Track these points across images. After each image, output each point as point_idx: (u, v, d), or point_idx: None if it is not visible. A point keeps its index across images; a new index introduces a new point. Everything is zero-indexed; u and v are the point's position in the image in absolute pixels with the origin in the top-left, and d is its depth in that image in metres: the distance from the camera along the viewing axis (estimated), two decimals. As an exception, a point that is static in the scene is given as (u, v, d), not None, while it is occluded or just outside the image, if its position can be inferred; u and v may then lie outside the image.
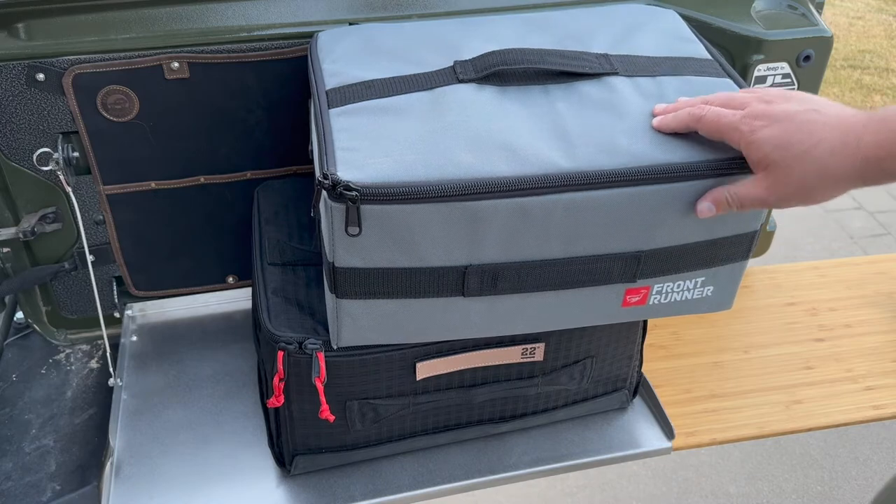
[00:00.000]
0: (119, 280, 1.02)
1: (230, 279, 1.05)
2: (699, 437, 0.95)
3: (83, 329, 1.05)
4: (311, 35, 0.83)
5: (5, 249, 0.93)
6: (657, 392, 0.96)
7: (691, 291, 0.75)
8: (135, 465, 0.87)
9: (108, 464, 0.87)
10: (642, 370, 0.94)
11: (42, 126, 0.86)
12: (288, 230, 0.88)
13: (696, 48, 0.77)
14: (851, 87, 3.46)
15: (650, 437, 0.92)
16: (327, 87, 0.71)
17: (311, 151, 0.78)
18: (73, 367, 1.03)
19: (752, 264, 1.18)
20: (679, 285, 0.74)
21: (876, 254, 2.40)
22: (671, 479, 1.77)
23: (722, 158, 0.65)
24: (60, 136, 0.87)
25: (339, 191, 0.60)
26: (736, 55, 0.94)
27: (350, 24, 0.87)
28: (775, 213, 1.14)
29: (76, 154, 0.89)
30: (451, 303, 0.70)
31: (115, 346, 1.01)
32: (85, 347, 1.06)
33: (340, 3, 0.91)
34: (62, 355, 1.04)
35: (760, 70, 0.95)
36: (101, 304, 0.94)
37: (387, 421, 0.83)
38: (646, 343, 0.92)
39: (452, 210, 0.62)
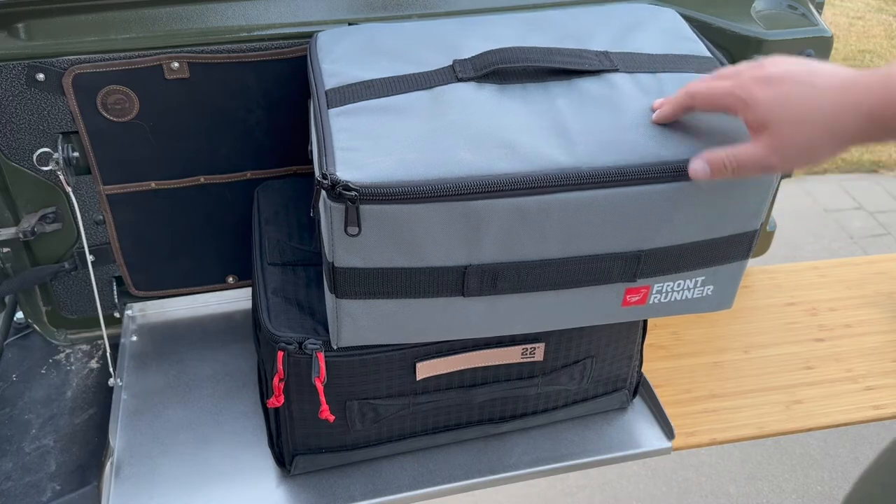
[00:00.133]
0: (119, 280, 1.02)
1: (230, 279, 1.05)
2: (699, 437, 0.95)
3: (83, 329, 1.05)
4: (310, 35, 0.83)
5: (5, 249, 0.93)
6: (657, 392, 0.96)
7: (691, 291, 0.75)
8: (135, 465, 0.87)
9: (108, 464, 0.87)
10: (642, 370, 0.94)
11: (42, 126, 0.86)
12: (288, 230, 0.88)
13: (697, 46, 0.77)
14: (851, 87, 3.46)
15: (650, 437, 0.92)
16: (327, 87, 0.71)
17: (311, 151, 0.78)
18: (73, 367, 1.03)
19: (752, 264, 1.18)
20: (679, 285, 0.74)
21: (876, 254, 2.40)
22: (671, 479, 1.77)
23: None
24: (60, 136, 0.87)
25: (338, 191, 0.60)
26: (736, 55, 0.94)
27: (350, 24, 0.87)
28: (775, 212, 1.14)
29: (76, 154, 0.89)
30: (450, 303, 0.70)
31: (115, 346, 1.01)
32: (85, 347, 1.06)
33: (340, 3, 0.91)
34: (62, 355, 1.04)
35: (760, 70, 0.95)
36: (101, 304, 0.94)
37: (387, 421, 0.83)
38: (646, 343, 0.92)
39: (452, 210, 0.62)
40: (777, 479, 1.77)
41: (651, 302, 0.74)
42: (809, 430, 0.97)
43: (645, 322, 0.90)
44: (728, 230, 0.71)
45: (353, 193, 0.60)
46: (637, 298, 0.74)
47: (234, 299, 1.09)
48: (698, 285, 0.74)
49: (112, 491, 0.84)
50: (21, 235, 0.90)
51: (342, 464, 0.86)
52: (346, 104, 0.68)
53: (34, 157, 0.87)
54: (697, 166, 0.63)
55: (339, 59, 0.75)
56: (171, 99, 0.88)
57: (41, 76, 0.83)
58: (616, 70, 0.72)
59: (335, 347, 0.74)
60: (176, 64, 0.85)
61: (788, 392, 1.01)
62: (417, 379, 0.80)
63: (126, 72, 0.84)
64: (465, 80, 0.70)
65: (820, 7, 0.99)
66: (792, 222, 2.56)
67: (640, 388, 0.95)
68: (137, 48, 0.84)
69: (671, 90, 0.70)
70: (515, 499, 1.72)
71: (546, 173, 0.63)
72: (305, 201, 0.93)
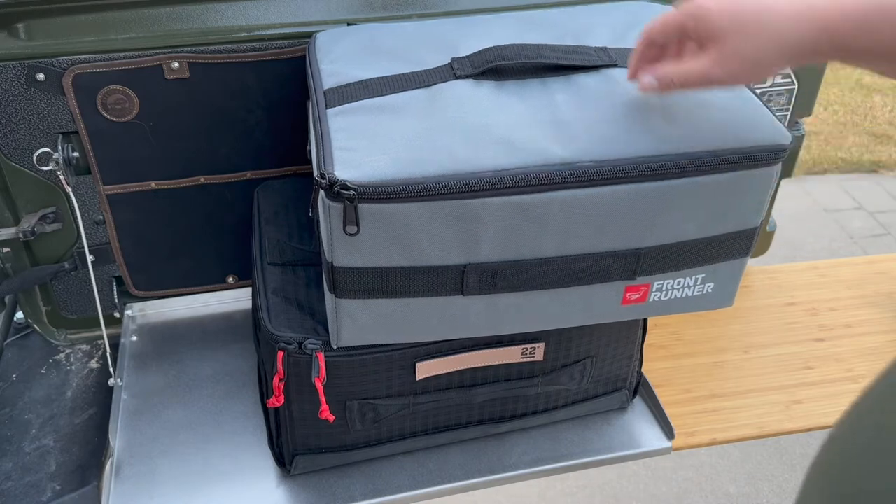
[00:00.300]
0: (119, 280, 1.02)
1: (230, 279, 1.05)
2: (699, 437, 0.95)
3: (83, 329, 1.05)
4: (310, 35, 0.83)
5: (5, 249, 0.93)
6: (657, 392, 0.96)
7: (692, 289, 0.75)
8: (135, 465, 0.87)
9: (108, 464, 0.87)
10: (642, 370, 0.94)
11: (42, 126, 0.86)
12: (288, 230, 0.88)
13: None
14: (851, 87, 3.46)
15: (650, 437, 0.92)
16: (325, 87, 0.71)
17: (310, 151, 0.78)
18: (73, 367, 1.03)
19: (752, 264, 1.18)
20: (679, 283, 0.74)
21: (876, 254, 2.40)
22: (671, 479, 1.77)
23: (723, 150, 0.65)
24: (60, 136, 0.87)
25: (336, 190, 0.60)
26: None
27: (349, 24, 0.87)
28: (775, 212, 1.14)
29: (76, 154, 0.89)
30: (450, 302, 0.70)
31: (115, 346, 1.01)
32: (85, 347, 1.06)
33: (340, 3, 0.91)
34: (62, 355, 1.04)
35: (760, 70, 0.95)
36: (101, 304, 0.94)
37: (387, 421, 0.83)
38: (646, 343, 0.92)
39: (450, 208, 0.62)
40: (777, 479, 1.77)
41: (651, 300, 0.74)
42: (809, 430, 0.97)
43: (645, 322, 0.90)
44: (728, 227, 0.71)
45: (352, 192, 0.60)
46: (637, 296, 0.73)
47: (234, 299, 1.09)
48: (699, 283, 0.74)
49: (112, 491, 0.84)
50: (21, 235, 0.90)
51: (342, 464, 0.86)
52: (344, 104, 0.68)
53: (34, 157, 0.87)
54: (646, 80, 0.62)
55: (337, 60, 0.75)
56: (171, 99, 0.88)
57: (41, 76, 0.83)
58: (615, 65, 0.72)
59: (335, 347, 0.74)
60: (176, 64, 0.85)
61: (788, 392, 1.01)
62: (417, 379, 0.80)
63: (126, 72, 0.84)
64: (463, 78, 0.70)
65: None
66: (792, 222, 2.56)
67: (640, 388, 0.95)
68: (137, 48, 0.84)
69: None
70: (515, 499, 1.72)
71: (544, 167, 0.63)
72: (305, 201, 0.93)
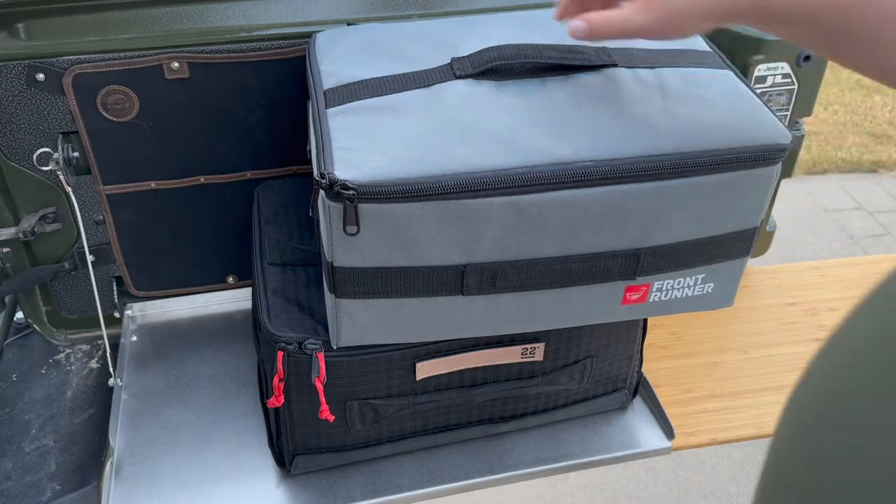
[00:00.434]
0: (119, 280, 1.02)
1: (230, 279, 1.05)
2: (699, 437, 0.95)
3: (83, 329, 1.05)
4: (310, 35, 0.83)
5: (5, 249, 0.93)
6: (657, 392, 0.96)
7: (692, 289, 0.75)
8: (135, 465, 0.87)
9: (108, 464, 0.87)
10: (642, 370, 0.94)
11: (42, 126, 0.86)
12: (288, 230, 0.88)
13: (696, 41, 0.77)
14: (852, 87, 3.46)
15: (650, 437, 0.92)
16: (325, 87, 0.71)
17: (310, 151, 0.78)
18: (73, 367, 1.03)
19: (752, 264, 1.18)
20: (680, 282, 0.74)
21: (876, 254, 2.40)
22: (671, 479, 1.77)
23: (723, 150, 0.65)
24: (60, 136, 0.87)
25: (336, 190, 0.60)
26: (736, 55, 0.94)
27: (349, 24, 0.87)
28: (775, 212, 1.14)
29: (76, 154, 0.89)
30: (450, 302, 0.70)
31: (115, 346, 1.01)
32: (85, 347, 1.06)
33: (340, 3, 0.91)
34: (62, 355, 1.04)
35: (760, 70, 0.95)
36: (101, 304, 0.94)
37: (387, 421, 0.83)
38: (646, 343, 0.92)
39: (449, 208, 0.62)
40: (777, 479, 1.77)
41: (651, 300, 0.74)
42: (809, 429, 0.97)
43: (645, 322, 0.90)
44: (729, 227, 0.71)
45: (351, 192, 0.60)
46: (637, 296, 0.74)
47: (234, 299, 1.09)
48: (699, 283, 0.74)
49: (112, 491, 0.84)
50: (21, 235, 0.90)
51: (342, 464, 0.86)
52: (343, 104, 0.68)
53: (34, 157, 0.87)
54: (574, 23, 0.61)
55: (337, 60, 0.75)
56: (171, 99, 0.88)
57: (41, 76, 0.83)
58: (615, 65, 0.72)
59: (335, 347, 0.74)
60: (176, 64, 0.85)
61: (788, 392, 1.01)
62: (417, 379, 0.80)
63: (126, 72, 0.84)
64: (463, 78, 0.70)
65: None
66: (792, 222, 2.56)
67: (640, 388, 0.95)
68: (137, 48, 0.84)
69: (670, 84, 0.70)
70: (515, 499, 1.72)
71: (544, 167, 0.62)
72: (305, 201, 0.93)
